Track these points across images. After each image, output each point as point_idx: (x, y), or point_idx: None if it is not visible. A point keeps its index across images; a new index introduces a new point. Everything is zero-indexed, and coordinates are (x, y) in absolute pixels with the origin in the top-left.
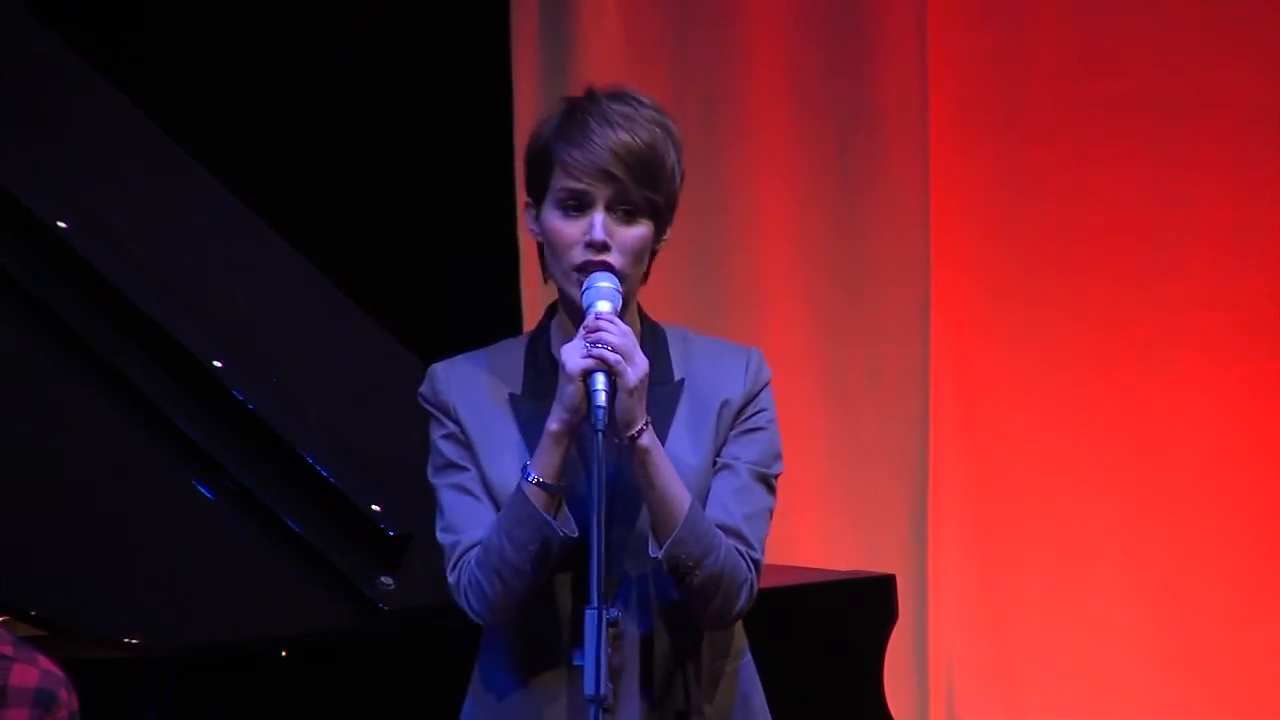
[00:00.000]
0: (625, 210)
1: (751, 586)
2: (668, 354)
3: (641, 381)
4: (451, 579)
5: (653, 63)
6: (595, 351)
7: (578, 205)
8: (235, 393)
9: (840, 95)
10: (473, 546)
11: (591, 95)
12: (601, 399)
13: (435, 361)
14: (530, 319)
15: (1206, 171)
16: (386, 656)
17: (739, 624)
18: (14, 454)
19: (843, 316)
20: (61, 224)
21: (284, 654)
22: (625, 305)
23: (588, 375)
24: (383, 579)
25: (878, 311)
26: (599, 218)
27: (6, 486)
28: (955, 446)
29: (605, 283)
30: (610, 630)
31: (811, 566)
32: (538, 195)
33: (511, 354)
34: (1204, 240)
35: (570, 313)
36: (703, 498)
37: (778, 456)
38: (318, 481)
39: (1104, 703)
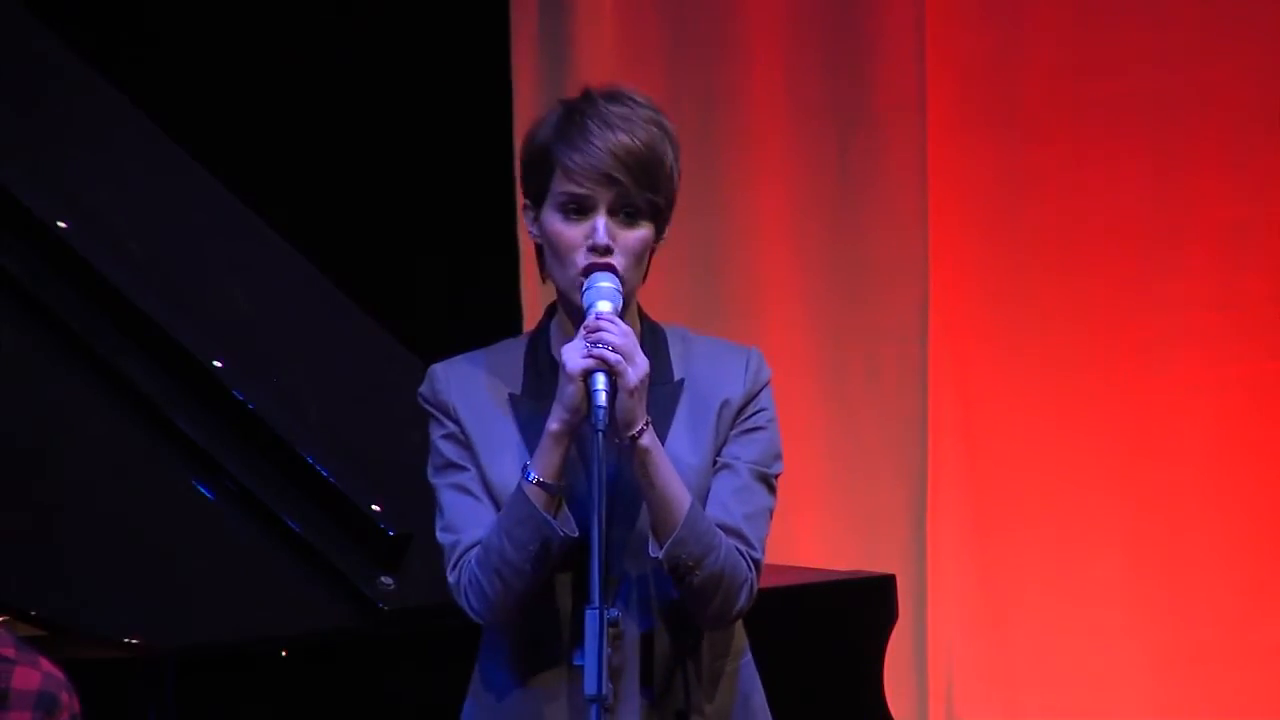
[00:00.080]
0: (627, 213)
1: (752, 586)
2: (667, 354)
3: (642, 382)
4: (452, 579)
5: (650, 63)
6: (596, 351)
7: (579, 209)
8: (235, 393)
9: (839, 96)
10: (473, 546)
11: (588, 97)
12: (602, 399)
13: (435, 361)
14: (530, 319)
15: (1205, 171)
16: (386, 656)
17: (739, 623)
18: (14, 454)
19: (842, 317)
20: (61, 224)
21: (284, 654)
22: (625, 305)
23: (588, 375)
24: (383, 579)
25: (877, 312)
26: (601, 221)
27: (6, 486)
28: (954, 447)
29: (606, 283)
30: (610, 630)
31: (811, 567)
32: (536, 197)
33: (511, 354)
34: (1202, 240)
35: (570, 313)
36: (703, 498)
37: (778, 456)
38: (318, 481)
39: (1103, 702)
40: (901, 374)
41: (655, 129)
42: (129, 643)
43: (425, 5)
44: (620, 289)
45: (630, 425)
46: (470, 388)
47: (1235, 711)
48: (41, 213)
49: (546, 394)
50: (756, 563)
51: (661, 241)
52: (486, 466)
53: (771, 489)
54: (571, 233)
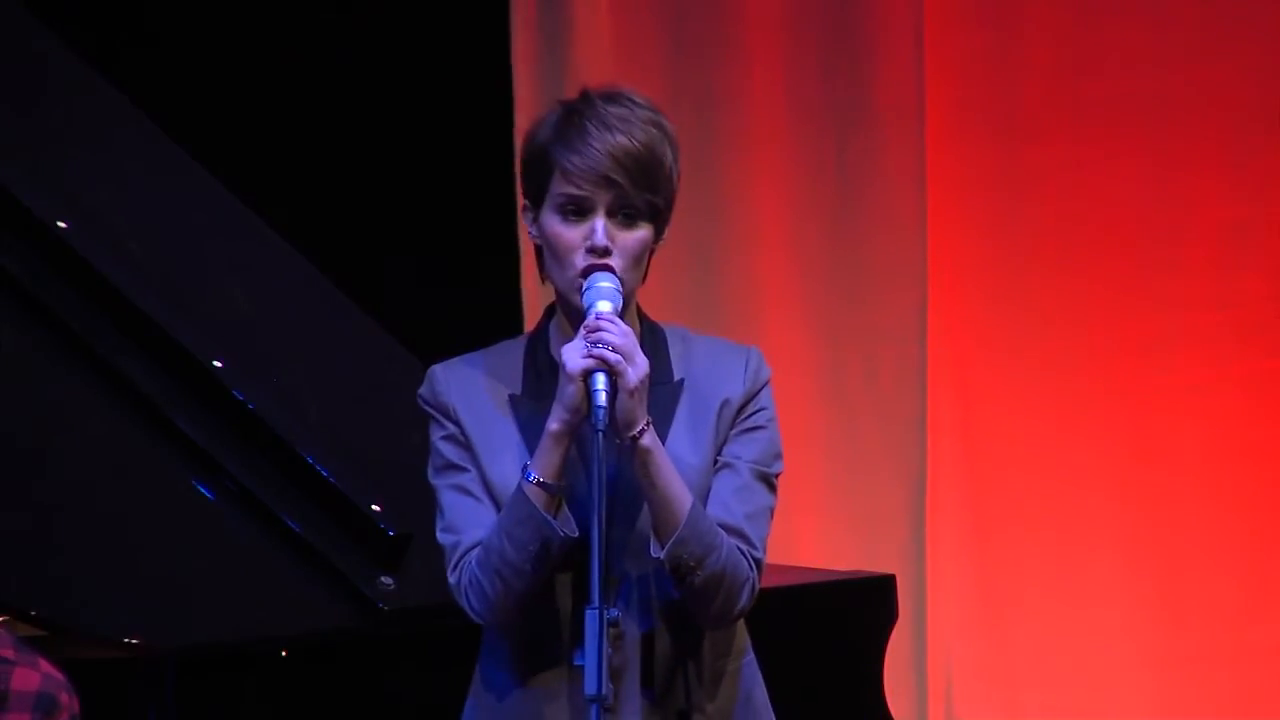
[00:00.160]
0: (626, 215)
1: (753, 585)
2: (667, 354)
3: (642, 382)
4: (452, 579)
5: (648, 65)
6: (596, 351)
7: (578, 210)
8: (235, 393)
9: (837, 97)
10: (473, 547)
11: (587, 98)
12: (602, 399)
13: (435, 362)
14: (531, 319)
15: (1204, 171)
16: (386, 656)
17: (741, 623)
18: (14, 454)
19: (841, 318)
20: (61, 224)
21: (284, 654)
22: (625, 306)
23: (588, 375)
24: (383, 579)
25: (876, 313)
26: (600, 223)
27: (6, 486)
28: (953, 448)
29: (606, 283)
30: (611, 630)
31: (812, 567)
32: (535, 199)
33: (510, 355)
34: (1201, 240)
35: (569, 314)
36: (703, 497)
37: (778, 455)
38: (318, 481)
39: (1101, 702)
40: (900, 375)
41: (654, 130)
42: (129, 643)
43: (425, 5)
44: (620, 289)
45: (631, 426)
46: (470, 389)
47: (1233, 711)
48: (41, 213)
49: (546, 394)
50: (758, 562)
51: (661, 242)
52: (487, 467)
53: (772, 488)
54: (570, 234)
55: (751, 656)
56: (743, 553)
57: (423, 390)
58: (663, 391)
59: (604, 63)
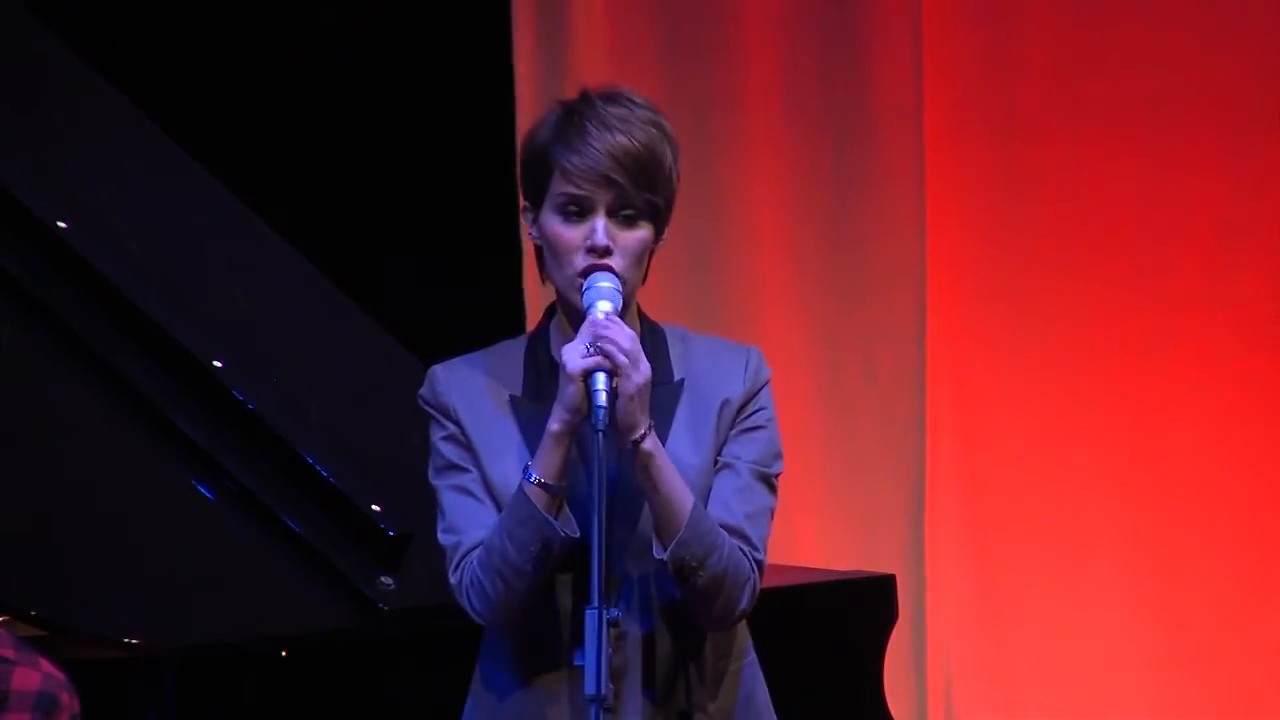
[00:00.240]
0: (626, 215)
1: (754, 586)
2: (667, 354)
3: (643, 387)
4: (453, 580)
5: (645, 67)
6: (604, 348)
7: (578, 210)
8: (235, 393)
9: (835, 98)
10: (474, 547)
11: (586, 98)
12: (602, 399)
13: (437, 362)
14: (533, 319)
15: (1203, 171)
16: (386, 656)
17: (743, 623)
18: (14, 454)
19: (839, 319)
20: (61, 224)
21: (284, 654)
22: (625, 306)
23: (588, 375)
24: (383, 579)
25: (874, 313)
26: (600, 223)
27: (6, 487)
28: (952, 448)
29: (606, 283)
30: (612, 630)
31: (812, 567)
32: (535, 199)
33: (511, 355)
34: (1200, 240)
35: (569, 314)
36: (704, 498)
37: (778, 455)
38: (318, 481)
39: (1101, 702)
40: (900, 375)
41: (654, 130)
42: (129, 643)
43: (426, 4)
44: (620, 289)
45: (632, 430)
46: (470, 389)
47: (1232, 711)
48: (41, 213)
49: (546, 395)
50: (759, 563)
51: (661, 243)
52: (487, 467)
53: (772, 488)
54: (570, 234)
55: (753, 657)
56: (744, 553)
57: (423, 391)
58: (663, 392)
59: (601, 64)
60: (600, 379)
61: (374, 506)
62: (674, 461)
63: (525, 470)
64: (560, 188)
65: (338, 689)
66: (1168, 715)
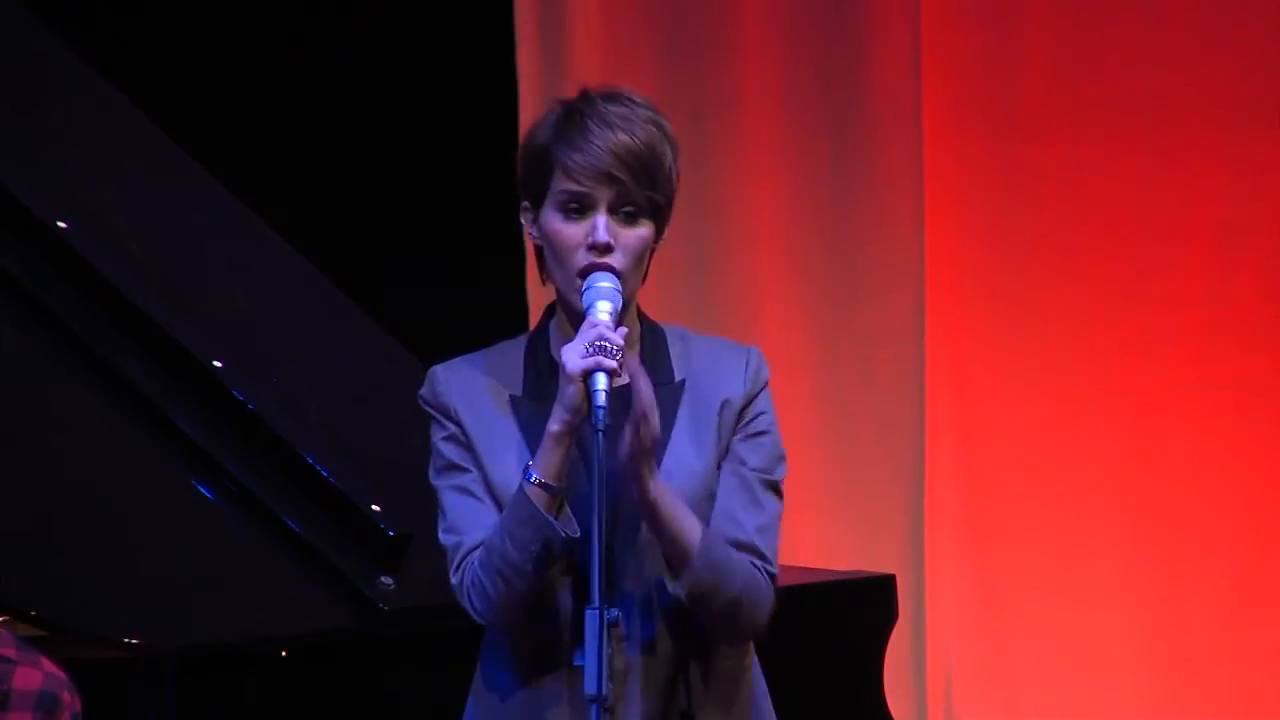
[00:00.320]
0: (627, 212)
1: (770, 600)
2: (668, 354)
3: (655, 441)
4: (454, 580)
5: (643, 67)
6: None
7: (579, 208)
8: (235, 393)
9: (833, 98)
10: (475, 547)
11: (586, 97)
12: (602, 399)
13: (436, 363)
14: (536, 319)
15: (1203, 171)
16: (386, 656)
17: None
18: (14, 454)
19: (838, 319)
20: (61, 224)
21: (284, 654)
22: (625, 306)
23: (588, 376)
24: (383, 579)
25: (873, 314)
26: (601, 219)
27: (7, 487)
28: (951, 448)
29: (605, 283)
30: (614, 631)
31: (811, 567)
32: (536, 197)
33: (511, 355)
34: (1200, 240)
35: (569, 314)
36: (708, 499)
37: (781, 458)
38: (318, 481)
39: (1100, 702)
40: (898, 375)
41: (654, 129)
42: (129, 643)
43: (427, 4)
44: (620, 289)
45: (641, 482)
46: (470, 389)
47: (1231, 712)
48: (41, 213)
49: (546, 395)
50: (772, 576)
51: (661, 242)
52: (488, 468)
53: (779, 494)
54: (571, 231)
55: (754, 658)
56: (757, 569)
57: (423, 391)
58: (664, 393)
59: (598, 64)
60: (600, 379)
61: (374, 506)
62: (677, 464)
63: (526, 470)
64: (561, 185)
65: (338, 689)
66: (1167, 716)
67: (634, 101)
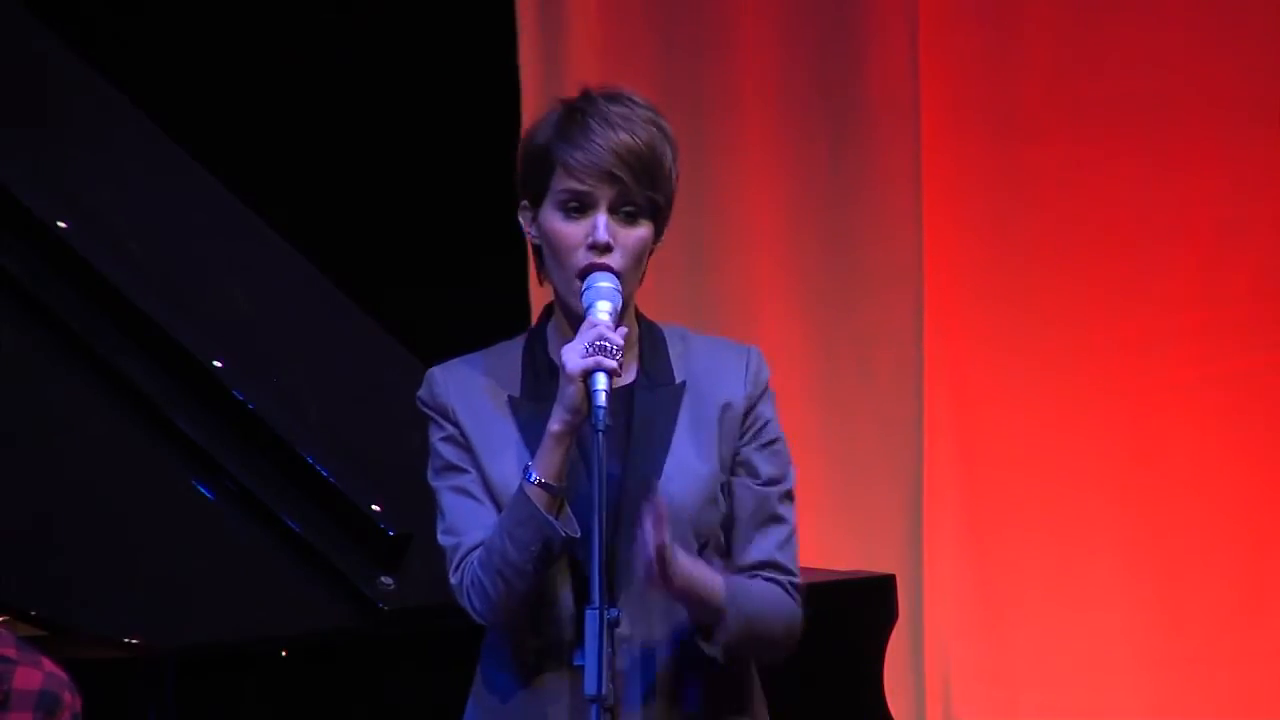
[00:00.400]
0: (627, 212)
1: (799, 615)
2: (667, 355)
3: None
4: (454, 580)
5: (639, 67)
6: (604, 354)
7: (579, 207)
8: (235, 393)
9: (831, 98)
10: (475, 548)
11: (588, 96)
12: (602, 399)
13: (436, 363)
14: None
15: (1203, 171)
16: (386, 656)
17: None
18: (14, 454)
19: (836, 319)
20: (61, 224)
21: (284, 654)
22: (624, 307)
23: (588, 376)
24: (383, 579)
25: (871, 314)
26: (602, 219)
27: (7, 487)
28: (950, 448)
29: (605, 283)
30: (615, 631)
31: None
32: (535, 196)
33: (509, 356)
34: (1199, 239)
35: (567, 314)
36: (710, 503)
37: (790, 461)
38: (318, 481)
39: (1099, 703)
40: (897, 375)
41: (655, 129)
42: (129, 643)
43: (427, 4)
44: (619, 289)
45: (673, 582)
46: (469, 390)
47: (1231, 713)
48: (41, 213)
49: (545, 395)
50: (797, 587)
51: (659, 244)
52: (487, 468)
53: (793, 500)
54: (571, 230)
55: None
56: (781, 584)
57: (421, 392)
58: (665, 394)
59: (596, 64)
60: (600, 379)
61: (374, 506)
62: (679, 468)
63: (526, 470)
64: (562, 184)
65: (338, 689)
66: (1166, 716)
67: (634, 102)
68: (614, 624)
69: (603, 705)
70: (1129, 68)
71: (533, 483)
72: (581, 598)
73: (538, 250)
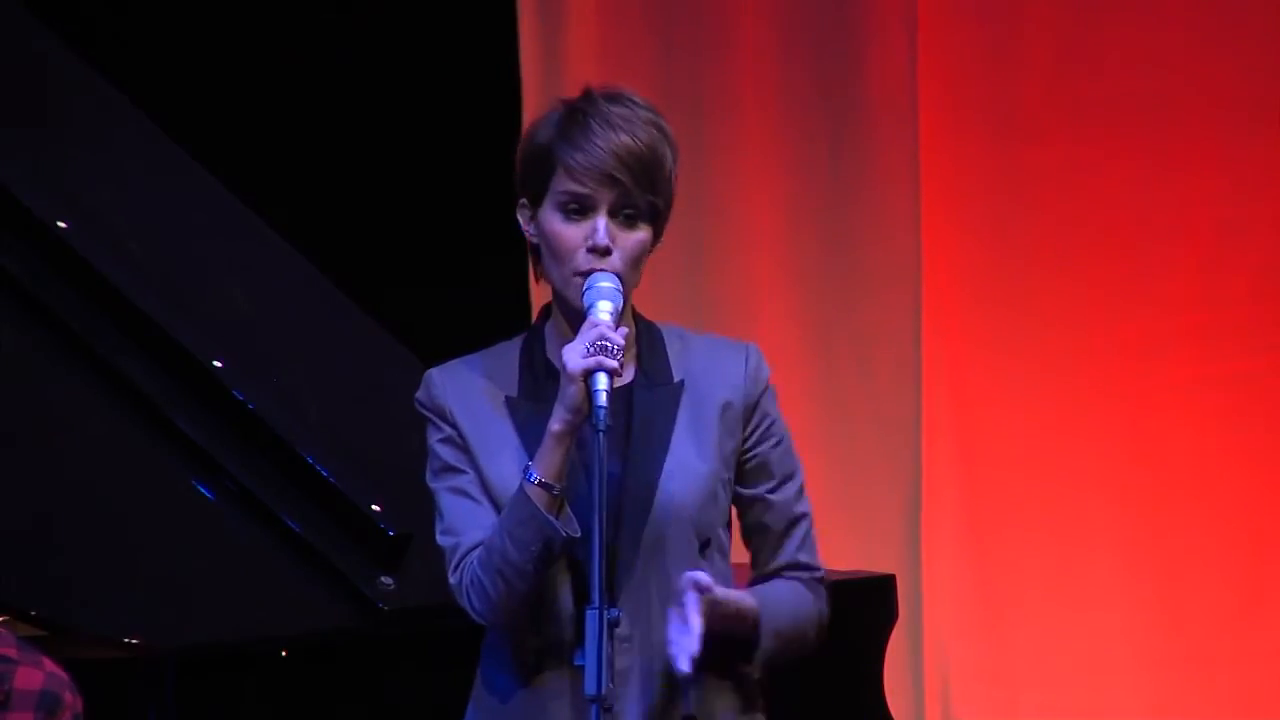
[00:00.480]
0: (627, 215)
1: (825, 609)
2: (665, 354)
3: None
4: (453, 580)
5: (637, 67)
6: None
7: (579, 209)
8: (235, 393)
9: (830, 98)
10: (474, 548)
11: (589, 97)
12: (602, 399)
13: (436, 363)
14: None
15: (1202, 171)
16: (386, 656)
17: None
18: (14, 454)
19: (834, 320)
20: (61, 224)
21: (284, 654)
22: (623, 307)
23: (589, 375)
24: (383, 579)
25: (869, 315)
26: (602, 222)
27: (7, 487)
28: (948, 448)
29: (606, 282)
30: (614, 630)
31: None
32: (535, 196)
33: (507, 357)
34: (1198, 240)
35: (566, 313)
36: (711, 501)
37: (797, 454)
38: (318, 481)
39: (1098, 703)
40: (895, 376)
41: (655, 131)
42: (129, 643)
43: (427, 4)
44: (620, 289)
45: (745, 622)
46: (466, 391)
47: (1230, 713)
48: (41, 213)
49: (542, 396)
50: (820, 579)
51: (657, 246)
52: (485, 469)
53: (805, 492)
54: (571, 232)
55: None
56: (804, 581)
57: (419, 394)
58: (664, 393)
59: (594, 65)
60: (601, 379)
61: (374, 506)
62: (679, 466)
63: (526, 470)
64: (563, 185)
65: (338, 689)
66: (1166, 716)
67: (636, 103)
68: (614, 624)
69: (603, 705)
70: (1129, 68)
71: (533, 482)
72: (581, 598)
73: (535, 248)
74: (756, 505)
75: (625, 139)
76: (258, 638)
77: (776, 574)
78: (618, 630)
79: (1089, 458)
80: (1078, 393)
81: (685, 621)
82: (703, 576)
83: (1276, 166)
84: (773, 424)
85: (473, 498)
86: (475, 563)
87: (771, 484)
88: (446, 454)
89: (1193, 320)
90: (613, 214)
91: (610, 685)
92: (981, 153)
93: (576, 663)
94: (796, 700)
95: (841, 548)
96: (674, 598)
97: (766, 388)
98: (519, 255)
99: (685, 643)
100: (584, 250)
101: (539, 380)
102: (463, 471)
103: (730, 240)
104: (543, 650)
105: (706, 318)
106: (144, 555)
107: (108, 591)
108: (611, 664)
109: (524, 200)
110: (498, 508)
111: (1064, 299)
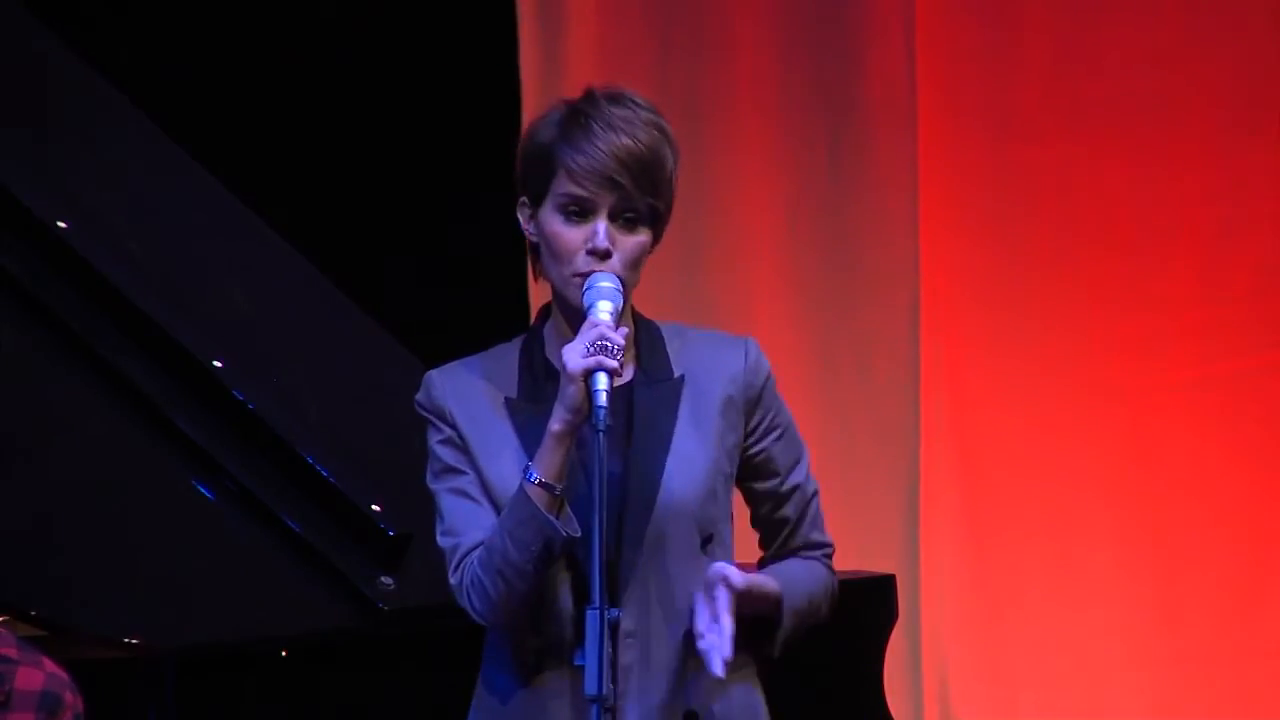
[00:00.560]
0: (627, 218)
1: (835, 582)
2: (665, 351)
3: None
4: (454, 580)
5: (636, 68)
6: (605, 353)
7: (580, 211)
8: (235, 393)
9: (828, 99)
10: (474, 548)
11: (590, 97)
12: (602, 399)
13: (437, 363)
14: None
15: (1201, 171)
16: (386, 656)
17: None
18: (14, 454)
19: (833, 321)
20: (61, 224)
21: (284, 654)
22: (622, 308)
23: (589, 375)
24: (383, 579)
25: (868, 315)
26: (602, 225)
27: (7, 486)
28: (946, 448)
29: (606, 282)
30: (614, 630)
31: None
32: (535, 196)
33: (506, 358)
34: (1197, 240)
35: (565, 313)
36: (711, 497)
37: (800, 436)
38: (318, 481)
39: (1097, 702)
40: (893, 376)
41: (657, 132)
42: (129, 643)
43: (427, 4)
44: (620, 289)
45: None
46: (466, 392)
47: (1229, 712)
48: (41, 213)
49: (542, 397)
50: (830, 554)
51: (656, 247)
52: (485, 470)
53: (811, 473)
54: (571, 234)
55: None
56: (817, 559)
57: (419, 396)
58: (664, 389)
59: (594, 67)
60: (601, 379)
61: (374, 506)
62: (681, 461)
63: (526, 470)
64: (563, 187)
65: (338, 689)
66: (1164, 716)
67: (637, 104)
68: (614, 624)
69: (603, 705)
70: (1127, 68)
71: (533, 482)
72: (582, 598)
73: (535, 248)
74: (768, 501)
75: (626, 141)
76: (258, 638)
77: (791, 554)
78: (620, 627)
79: (1087, 458)
80: (1076, 393)
81: (715, 619)
82: (732, 572)
83: (1276, 166)
84: (775, 416)
85: (473, 499)
86: (475, 563)
87: (779, 478)
88: (446, 455)
89: (1192, 319)
90: (613, 217)
91: (611, 685)
92: (980, 154)
93: (577, 663)
94: (797, 700)
95: (841, 548)
96: (680, 595)
97: (767, 380)
98: (519, 255)
99: (719, 644)
100: (584, 253)
101: (539, 381)
102: (463, 472)
103: (728, 241)
104: (543, 650)
105: (705, 319)
106: (144, 555)
107: (108, 591)
108: (612, 664)
109: (524, 199)
110: (498, 509)
111: (1063, 300)
